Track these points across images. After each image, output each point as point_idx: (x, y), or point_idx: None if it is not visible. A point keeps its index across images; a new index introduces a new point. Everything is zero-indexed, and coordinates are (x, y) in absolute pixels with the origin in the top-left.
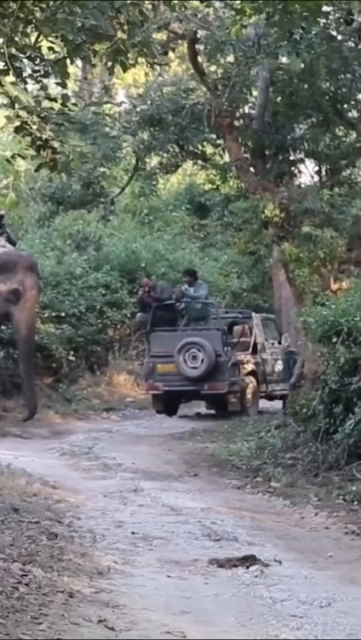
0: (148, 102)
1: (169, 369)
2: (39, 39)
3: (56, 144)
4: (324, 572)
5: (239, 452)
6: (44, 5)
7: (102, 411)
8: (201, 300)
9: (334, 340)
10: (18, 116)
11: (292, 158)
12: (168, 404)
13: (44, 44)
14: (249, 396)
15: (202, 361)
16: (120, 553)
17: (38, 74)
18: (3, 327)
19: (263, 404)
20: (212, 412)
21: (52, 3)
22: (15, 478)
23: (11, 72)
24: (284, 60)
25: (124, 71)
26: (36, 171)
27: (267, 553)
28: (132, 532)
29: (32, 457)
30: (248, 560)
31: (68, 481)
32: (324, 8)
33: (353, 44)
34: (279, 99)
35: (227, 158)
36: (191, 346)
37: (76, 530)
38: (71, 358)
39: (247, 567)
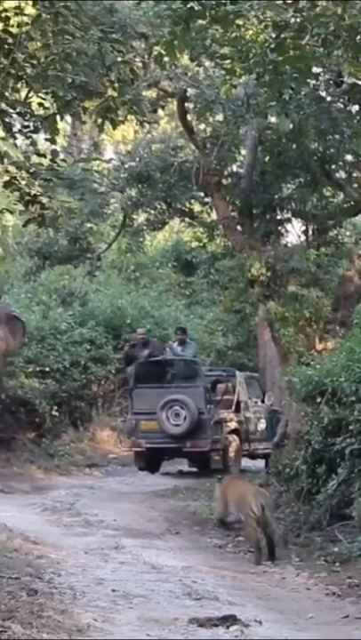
0: (137, 159)
1: (151, 426)
2: (29, 95)
3: (44, 199)
4: (304, 633)
5: None
6: (35, 62)
7: (85, 467)
8: (189, 358)
9: (318, 400)
10: (7, 172)
11: (279, 217)
12: (150, 461)
13: (35, 100)
14: (232, 454)
15: (184, 418)
16: (100, 610)
17: (28, 129)
18: None
19: (246, 462)
20: (195, 469)
21: (43, 59)
22: None
23: (0, 127)
24: (273, 119)
25: (114, 128)
26: (23, 226)
27: (247, 613)
28: (113, 590)
29: (13, 512)
30: (228, 620)
31: (50, 537)
32: (314, 69)
33: (342, 106)
34: (267, 158)
35: (214, 216)
36: (174, 403)
37: (57, 586)
38: (54, 413)
39: (227, 627)
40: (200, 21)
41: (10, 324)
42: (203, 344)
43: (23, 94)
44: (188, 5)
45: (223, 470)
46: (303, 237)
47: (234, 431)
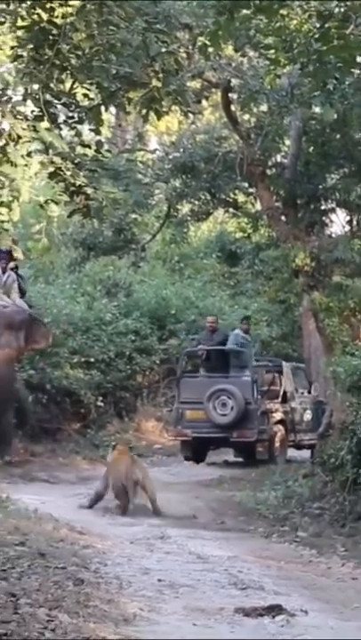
0: (181, 150)
1: (198, 415)
2: (74, 86)
3: (89, 190)
4: (350, 622)
5: (266, 500)
6: (79, 52)
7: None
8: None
9: None
10: (52, 162)
11: (323, 208)
12: (196, 450)
13: (79, 91)
14: (277, 444)
15: (231, 408)
16: (146, 600)
17: (73, 120)
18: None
19: (291, 452)
20: (240, 459)
21: (87, 50)
22: (42, 523)
23: (45, 118)
24: (317, 109)
25: (158, 119)
26: (68, 216)
27: (293, 603)
28: (159, 580)
29: (59, 502)
30: (274, 609)
31: (96, 527)
32: (359, 59)
33: None
34: (311, 148)
35: (258, 207)
36: (221, 393)
37: (103, 576)
38: (99, 404)
39: (273, 617)
40: (244, 11)
41: (31, 327)
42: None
43: (68, 85)
44: None
45: (269, 460)
46: (348, 227)
47: (280, 422)
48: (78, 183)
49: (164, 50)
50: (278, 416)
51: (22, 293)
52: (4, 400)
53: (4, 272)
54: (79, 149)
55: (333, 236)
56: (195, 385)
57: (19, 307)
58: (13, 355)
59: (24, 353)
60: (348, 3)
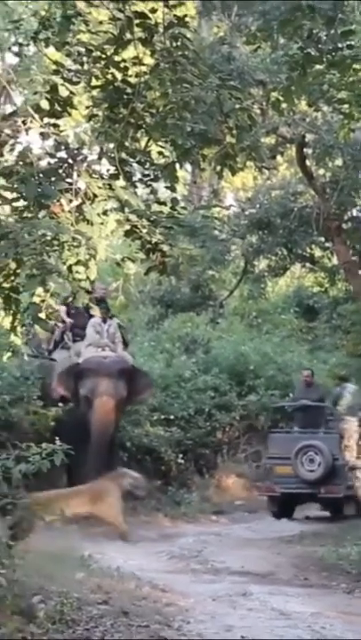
0: (257, 206)
1: (286, 471)
2: (149, 144)
3: (165, 247)
4: None
5: (349, 555)
6: (153, 111)
7: (211, 514)
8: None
9: None
10: (128, 220)
11: None
12: (284, 506)
13: (154, 149)
14: None
15: (319, 464)
16: None
17: (148, 178)
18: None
19: None
20: (321, 515)
21: (161, 108)
22: (124, 582)
23: (121, 176)
24: None
25: (233, 175)
26: (145, 274)
27: None
28: (242, 637)
29: (141, 560)
30: None
31: (177, 584)
32: None
33: None
34: None
35: (335, 261)
36: (309, 449)
37: (186, 634)
38: (180, 461)
39: None
40: (317, 66)
41: (132, 377)
42: (328, 389)
43: (143, 143)
44: (306, 51)
45: (357, 516)
46: None
47: None
48: (154, 240)
49: (237, 106)
50: None
51: (125, 344)
52: (104, 446)
53: (104, 321)
54: (155, 207)
55: None
56: (282, 440)
57: (120, 357)
58: (112, 403)
59: (127, 404)
60: None
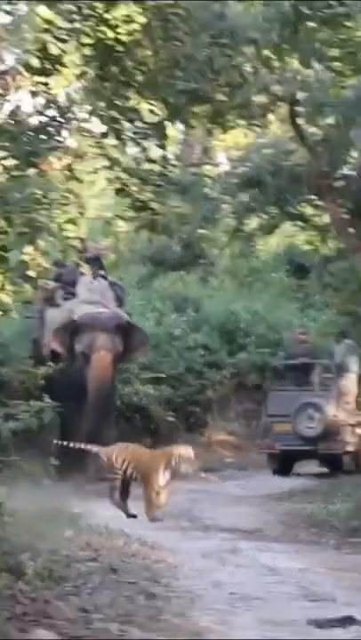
0: (248, 164)
1: (285, 428)
2: (139, 102)
3: (156, 206)
4: None
5: (338, 512)
6: (144, 69)
7: (201, 471)
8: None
9: None
10: (118, 178)
11: None
12: (283, 463)
13: (144, 107)
14: None
15: (318, 421)
16: (218, 613)
17: (138, 136)
18: None
19: None
20: (310, 471)
21: (152, 66)
22: (113, 539)
23: (111, 135)
24: None
25: (224, 132)
26: (135, 232)
27: None
28: (230, 593)
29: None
30: (346, 621)
31: (167, 541)
32: None
33: None
34: None
35: (326, 219)
36: (308, 406)
37: (174, 590)
38: (170, 419)
39: (345, 628)
40: (309, 24)
41: (128, 333)
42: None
43: (133, 102)
44: (298, 8)
45: (356, 472)
46: None
47: None
48: (145, 199)
49: (229, 64)
50: None
51: (120, 303)
52: (102, 402)
53: (95, 278)
54: (145, 165)
55: None
56: (282, 398)
57: (115, 312)
58: (109, 358)
59: (121, 361)
60: None
